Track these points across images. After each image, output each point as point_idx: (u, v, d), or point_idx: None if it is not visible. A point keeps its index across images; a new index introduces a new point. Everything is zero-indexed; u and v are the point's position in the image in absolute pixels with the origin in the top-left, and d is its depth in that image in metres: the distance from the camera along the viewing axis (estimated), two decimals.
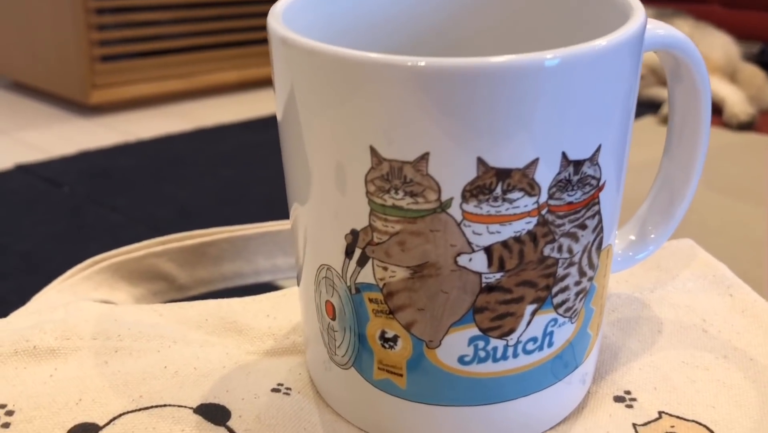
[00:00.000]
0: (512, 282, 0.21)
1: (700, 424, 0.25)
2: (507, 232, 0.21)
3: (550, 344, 0.23)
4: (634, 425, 0.25)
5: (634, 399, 0.26)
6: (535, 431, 0.25)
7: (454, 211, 0.20)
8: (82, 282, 0.35)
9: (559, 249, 0.21)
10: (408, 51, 0.27)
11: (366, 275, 0.22)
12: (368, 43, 0.27)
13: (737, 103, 1.42)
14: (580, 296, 0.23)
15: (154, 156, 1.28)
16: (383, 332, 0.22)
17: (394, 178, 0.20)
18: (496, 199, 0.20)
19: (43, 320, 0.28)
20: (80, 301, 0.31)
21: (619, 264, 0.28)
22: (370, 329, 0.23)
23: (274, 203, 1.05)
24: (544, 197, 0.20)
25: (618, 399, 0.26)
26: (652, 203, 0.28)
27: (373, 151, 0.20)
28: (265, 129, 1.39)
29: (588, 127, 0.20)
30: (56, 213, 1.04)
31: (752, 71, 1.58)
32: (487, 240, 0.21)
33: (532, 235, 0.21)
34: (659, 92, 1.49)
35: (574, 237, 0.22)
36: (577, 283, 0.22)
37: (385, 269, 0.21)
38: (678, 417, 0.25)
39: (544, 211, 0.21)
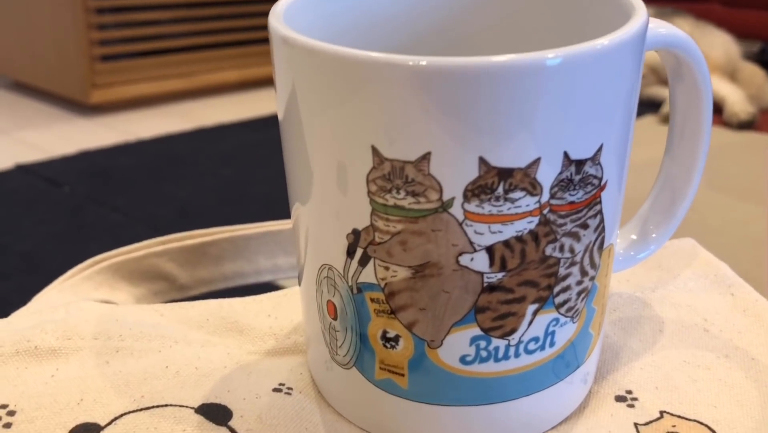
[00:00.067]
0: (514, 282, 0.21)
1: (701, 423, 0.25)
2: (509, 231, 0.20)
3: (551, 344, 0.23)
4: (636, 424, 0.25)
5: (635, 399, 0.26)
6: (536, 431, 0.25)
7: (456, 210, 0.20)
8: (83, 282, 0.35)
9: (561, 249, 0.21)
10: (409, 50, 0.27)
11: (367, 275, 0.22)
12: (369, 42, 0.27)
13: (737, 102, 1.42)
14: (582, 295, 0.23)
15: (154, 156, 1.28)
16: (385, 332, 0.22)
17: (396, 178, 0.20)
18: (497, 198, 0.20)
19: (44, 320, 0.28)
20: (81, 301, 0.31)
21: (620, 263, 0.28)
22: (371, 328, 0.23)
23: (274, 203, 1.05)
24: (545, 197, 0.20)
25: (619, 399, 0.26)
26: (654, 203, 0.28)
27: (375, 151, 0.20)
28: (266, 128, 1.39)
29: (590, 127, 0.20)
30: (56, 213, 1.04)
31: (752, 70, 1.58)
32: (488, 240, 0.21)
33: (534, 234, 0.21)
34: (660, 91, 1.49)
35: (576, 237, 0.21)
36: (579, 282, 0.22)
37: (387, 268, 0.21)
38: (679, 417, 0.25)
39: (545, 211, 0.21)
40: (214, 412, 0.24)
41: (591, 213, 0.22)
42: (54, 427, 0.24)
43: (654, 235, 0.28)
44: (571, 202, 0.21)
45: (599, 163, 0.21)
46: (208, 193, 1.12)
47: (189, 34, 1.63)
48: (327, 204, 0.22)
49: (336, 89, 0.20)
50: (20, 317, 0.30)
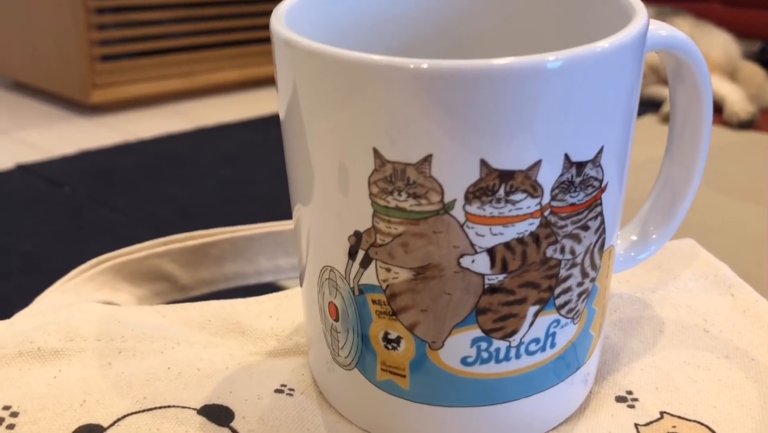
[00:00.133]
0: (515, 283, 0.21)
1: (701, 424, 0.25)
2: (510, 233, 0.21)
3: (552, 345, 0.23)
4: (636, 425, 0.25)
5: (635, 399, 0.26)
6: (537, 432, 0.25)
7: (457, 212, 0.20)
8: (85, 283, 0.36)
9: (562, 250, 0.21)
10: (411, 51, 0.28)
11: (369, 277, 0.22)
12: (371, 44, 0.27)
13: (737, 101, 1.42)
14: (583, 296, 0.23)
15: (154, 155, 1.28)
16: (386, 333, 0.23)
17: (397, 180, 0.20)
18: (499, 200, 0.20)
19: (47, 322, 0.28)
20: (83, 302, 0.31)
21: (620, 264, 0.28)
22: (373, 330, 0.23)
23: (275, 203, 1.05)
24: (546, 199, 0.20)
25: (620, 399, 0.26)
26: (654, 203, 0.28)
27: (376, 153, 0.20)
28: (266, 128, 1.39)
29: (590, 129, 0.21)
30: (57, 213, 1.04)
31: (752, 70, 1.58)
32: (489, 241, 0.21)
33: (535, 236, 0.21)
34: (660, 91, 1.49)
35: (577, 238, 0.22)
36: (580, 284, 0.22)
37: (388, 270, 0.22)
38: (680, 417, 0.25)
39: (546, 213, 0.21)
40: (217, 413, 0.24)
41: (592, 215, 0.22)
42: (57, 428, 0.24)
43: (654, 236, 0.28)
44: (572, 204, 0.21)
45: (600, 165, 0.21)
46: (209, 193, 1.12)
47: (189, 33, 1.63)
48: (328, 206, 0.22)
49: (337, 92, 0.20)
50: (23, 318, 0.30)
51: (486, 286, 0.21)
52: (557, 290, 0.22)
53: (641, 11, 0.23)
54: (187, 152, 1.30)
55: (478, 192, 0.20)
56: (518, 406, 0.24)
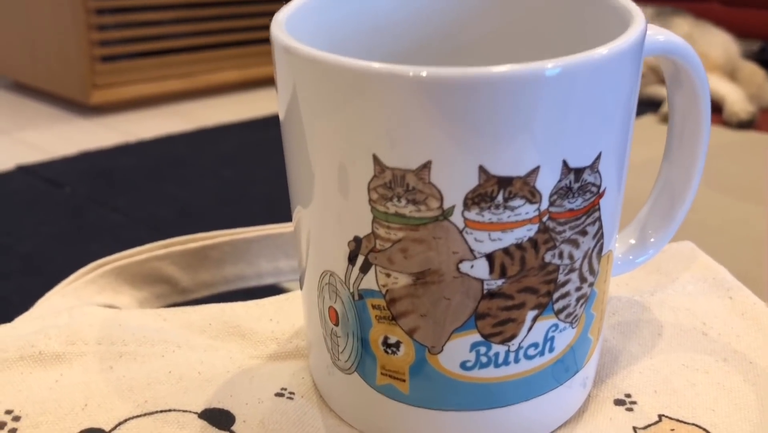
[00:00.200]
0: (514, 288, 0.21)
1: (699, 427, 0.25)
2: (508, 239, 0.21)
3: (551, 349, 0.23)
4: (635, 428, 0.25)
5: (634, 402, 0.26)
6: None
7: (456, 218, 0.20)
8: (86, 286, 0.36)
9: (560, 255, 0.22)
10: (412, 56, 0.28)
11: (369, 282, 0.22)
12: (372, 49, 0.27)
13: (737, 101, 1.42)
14: (581, 301, 0.23)
15: (154, 156, 1.28)
16: (386, 338, 0.23)
17: (397, 186, 0.20)
18: (497, 206, 0.20)
19: (48, 325, 0.29)
20: (84, 305, 0.31)
21: (619, 268, 0.28)
22: (373, 334, 0.23)
23: (275, 203, 1.05)
24: (545, 205, 0.21)
25: (618, 402, 0.26)
26: (652, 207, 0.29)
27: (376, 160, 0.20)
28: (266, 128, 1.40)
29: (589, 135, 0.21)
30: (57, 214, 1.04)
31: (752, 69, 1.58)
32: (488, 247, 0.21)
33: (534, 242, 0.21)
34: (659, 90, 1.49)
35: (575, 243, 0.22)
36: (578, 289, 0.23)
37: (388, 275, 0.22)
38: (678, 420, 0.25)
39: (545, 219, 0.21)
40: (217, 417, 0.25)
41: (590, 220, 0.22)
42: (59, 432, 0.24)
43: (652, 239, 0.29)
44: (570, 210, 0.21)
45: (598, 171, 0.21)
46: (209, 193, 1.12)
47: (189, 34, 1.63)
48: (328, 211, 0.22)
49: (337, 98, 0.20)
50: (24, 321, 0.30)
51: (485, 291, 0.21)
52: (555, 295, 0.22)
53: (639, 17, 0.23)
54: (188, 153, 1.30)
55: (476, 198, 0.20)
56: (517, 410, 0.24)
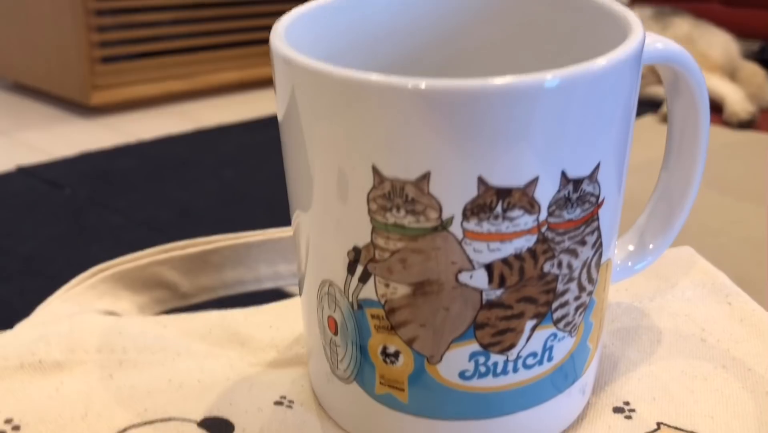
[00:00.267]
0: (513, 298, 0.22)
1: None
2: (507, 249, 0.21)
3: (550, 358, 0.23)
4: None
5: (633, 410, 0.26)
6: None
7: (455, 229, 0.20)
8: (86, 291, 0.36)
9: (559, 265, 0.22)
10: (411, 63, 0.28)
11: (368, 291, 0.22)
12: (372, 57, 0.27)
13: (737, 101, 1.42)
14: (580, 310, 0.23)
15: (155, 157, 1.29)
16: (385, 348, 0.23)
17: (396, 197, 0.20)
18: (496, 217, 0.20)
19: (49, 333, 0.29)
20: (85, 312, 0.32)
21: (617, 274, 0.28)
22: (372, 344, 0.23)
23: (276, 204, 1.05)
24: (543, 215, 0.21)
25: (617, 410, 0.27)
26: (651, 214, 0.29)
27: (375, 170, 0.20)
28: (267, 129, 1.40)
29: (587, 146, 0.21)
30: (57, 215, 1.04)
31: (752, 69, 1.58)
32: (487, 257, 0.21)
33: (532, 252, 0.21)
34: (659, 91, 1.49)
35: (574, 253, 0.22)
36: (577, 298, 0.23)
37: (387, 285, 0.22)
38: (676, 428, 0.26)
39: (543, 229, 0.21)
40: (217, 426, 0.25)
41: (589, 230, 0.22)
42: None
43: (651, 246, 0.29)
44: (569, 220, 0.21)
45: (597, 181, 0.21)
46: (210, 194, 1.12)
47: (189, 35, 1.63)
48: (327, 220, 0.22)
49: (336, 109, 0.20)
50: (24, 328, 0.30)
51: (484, 301, 0.21)
52: (554, 305, 0.22)
53: (637, 26, 0.23)
54: (188, 154, 1.30)
55: (475, 209, 0.20)
56: (516, 419, 0.24)
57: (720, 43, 1.56)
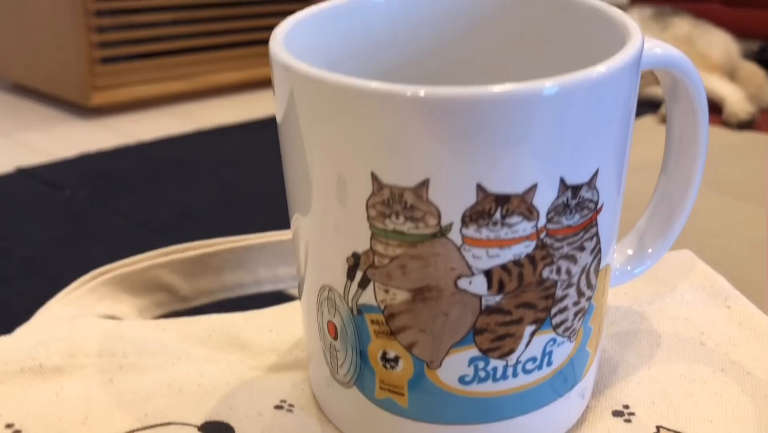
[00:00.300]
0: (512, 304, 0.22)
1: None
2: (506, 255, 0.21)
3: (549, 363, 0.23)
4: None
5: (632, 413, 0.27)
6: None
7: (454, 235, 0.20)
8: (86, 295, 0.36)
9: (558, 271, 0.22)
10: (411, 69, 0.28)
11: (367, 297, 0.22)
12: (371, 62, 0.27)
13: (737, 101, 1.42)
14: (579, 315, 0.23)
15: (155, 158, 1.29)
16: (385, 353, 0.23)
17: (395, 204, 0.20)
18: (495, 224, 0.20)
19: (49, 338, 0.29)
20: (85, 317, 0.32)
21: (617, 278, 0.29)
22: (371, 349, 0.23)
23: (276, 204, 1.05)
24: (542, 221, 0.21)
25: (616, 413, 0.27)
26: (650, 218, 0.29)
27: (374, 177, 0.20)
28: (267, 130, 1.40)
29: (586, 152, 0.21)
30: (57, 216, 1.05)
31: (752, 69, 1.58)
32: (486, 263, 0.21)
33: (531, 258, 0.21)
34: (659, 91, 1.49)
35: (573, 259, 0.22)
36: (576, 303, 0.23)
37: (387, 291, 0.22)
38: (676, 432, 0.26)
39: (542, 235, 0.21)
40: (217, 430, 0.25)
41: (587, 236, 0.22)
42: None
43: (650, 250, 0.29)
44: (568, 226, 0.21)
45: (595, 188, 0.21)
46: (210, 195, 1.12)
47: (189, 35, 1.63)
48: (326, 227, 0.22)
49: (336, 116, 0.20)
50: (25, 333, 0.30)
51: (483, 306, 0.21)
52: (553, 310, 0.22)
53: (636, 31, 0.23)
54: (188, 154, 1.30)
55: (474, 216, 0.20)
56: (516, 423, 0.24)
57: (720, 43, 1.56)
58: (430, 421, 0.23)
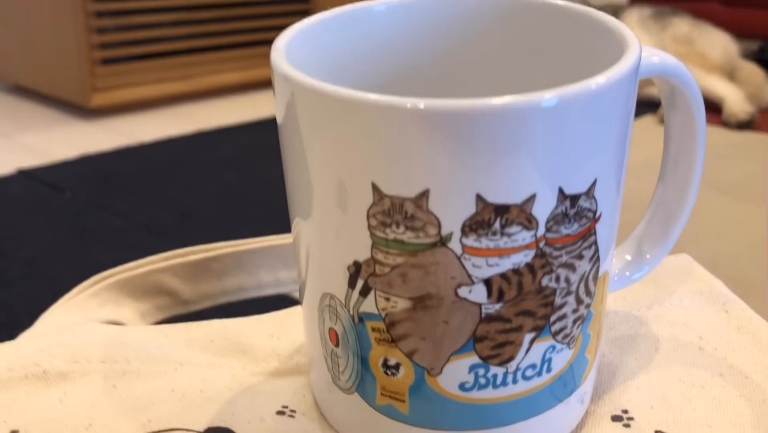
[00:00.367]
0: (511, 312, 0.22)
1: None
2: (506, 264, 0.21)
3: (548, 370, 0.23)
4: None
5: (631, 418, 0.27)
6: None
7: (454, 245, 0.21)
8: (88, 299, 0.36)
9: (557, 279, 0.22)
10: (411, 78, 0.28)
11: (369, 305, 0.22)
12: (372, 72, 0.27)
13: (736, 101, 1.43)
14: (578, 322, 0.23)
15: (155, 159, 1.29)
16: (386, 360, 0.23)
17: (396, 214, 0.21)
18: (494, 233, 0.21)
19: (52, 344, 0.29)
20: (88, 322, 0.32)
21: (615, 284, 0.29)
22: (373, 356, 0.23)
23: (276, 206, 1.06)
24: (541, 231, 0.21)
25: (616, 418, 0.27)
26: (648, 225, 0.29)
27: (375, 188, 0.21)
28: (267, 131, 1.40)
29: (584, 162, 0.21)
30: (58, 218, 1.05)
31: (751, 69, 1.58)
32: (486, 272, 0.21)
33: (530, 267, 0.21)
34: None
35: (571, 267, 0.22)
36: (575, 310, 0.23)
37: (387, 299, 0.22)
38: None
39: (541, 244, 0.21)
40: None
41: (586, 244, 0.22)
42: None
43: (648, 256, 0.29)
44: (567, 235, 0.21)
45: (594, 197, 0.22)
46: (210, 196, 1.13)
47: (189, 36, 1.63)
48: (327, 235, 0.23)
49: (336, 128, 0.21)
50: (28, 339, 0.30)
51: (483, 315, 0.22)
52: (553, 318, 0.22)
53: (633, 41, 0.23)
54: (188, 155, 1.30)
55: (474, 225, 0.20)
56: (516, 429, 0.24)
57: (719, 43, 1.57)
58: (430, 427, 0.24)
